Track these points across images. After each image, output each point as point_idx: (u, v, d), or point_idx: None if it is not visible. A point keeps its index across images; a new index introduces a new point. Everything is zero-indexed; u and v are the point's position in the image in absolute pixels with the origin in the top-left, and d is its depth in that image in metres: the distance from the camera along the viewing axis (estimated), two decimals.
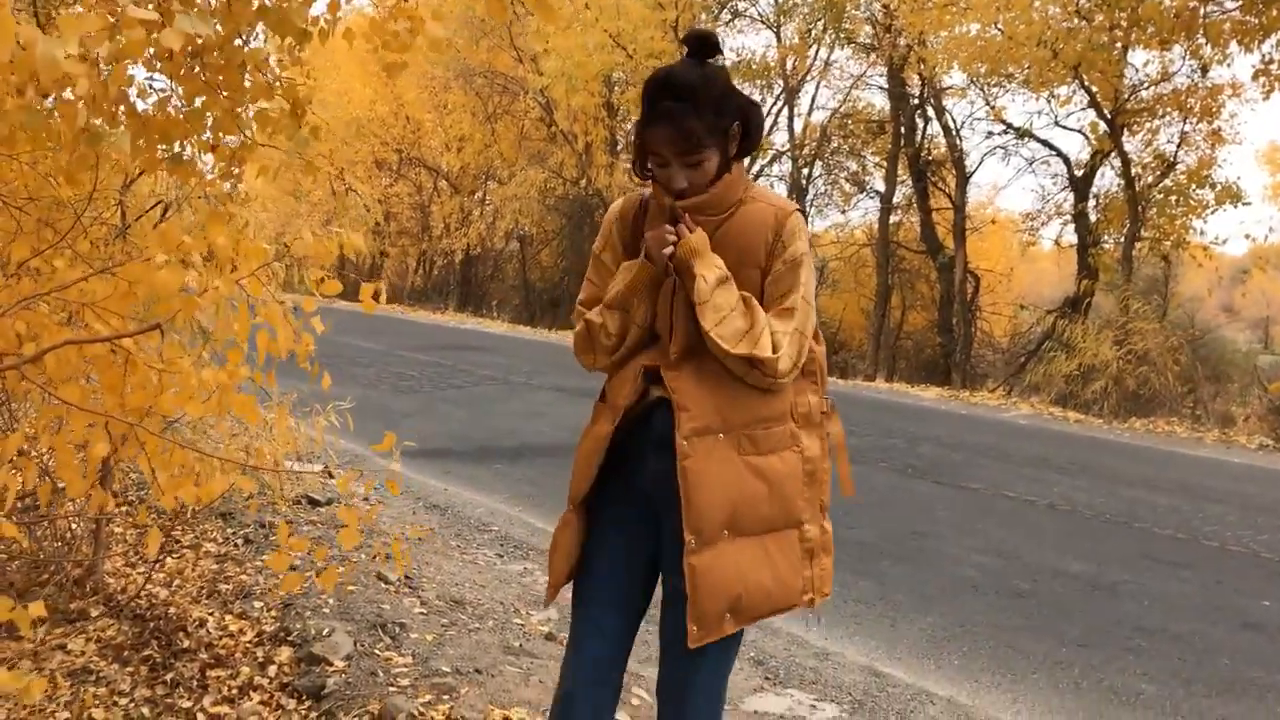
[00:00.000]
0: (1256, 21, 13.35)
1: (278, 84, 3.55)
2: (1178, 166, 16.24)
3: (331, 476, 7.04)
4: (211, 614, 4.33)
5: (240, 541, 5.37)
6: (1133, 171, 15.64)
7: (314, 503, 6.26)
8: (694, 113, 2.20)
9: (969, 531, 6.63)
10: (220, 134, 3.48)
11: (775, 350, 2.26)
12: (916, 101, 20.00)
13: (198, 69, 3.25)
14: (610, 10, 19.27)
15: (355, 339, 16.93)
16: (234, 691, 3.79)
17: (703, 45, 2.27)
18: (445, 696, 3.64)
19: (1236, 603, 5.43)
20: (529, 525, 6.56)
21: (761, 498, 2.31)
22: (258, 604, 4.44)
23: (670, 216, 2.31)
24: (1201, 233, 15.67)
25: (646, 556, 2.46)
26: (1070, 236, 18.28)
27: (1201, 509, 7.55)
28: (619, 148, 25.52)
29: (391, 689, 3.68)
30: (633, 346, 2.40)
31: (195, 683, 3.85)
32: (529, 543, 6.11)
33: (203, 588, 4.67)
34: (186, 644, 4.11)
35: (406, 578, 4.95)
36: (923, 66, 17.51)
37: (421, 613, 4.49)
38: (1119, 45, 14.80)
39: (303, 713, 3.61)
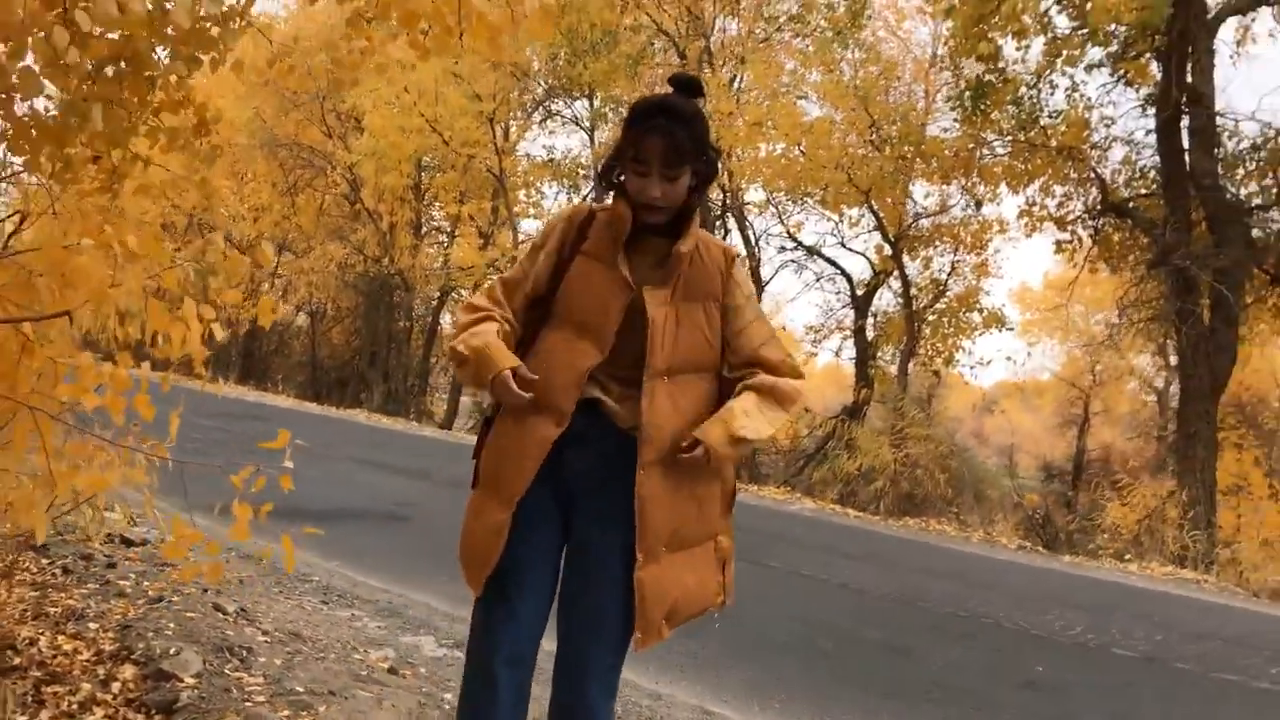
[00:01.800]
0: (1023, 167, 14.91)
1: (185, 99, 3.65)
2: (947, 293, 17.75)
3: (135, 524, 6.83)
4: (42, 634, 4.18)
5: (59, 572, 5.17)
6: (912, 293, 16.99)
7: (128, 542, 6.06)
8: (685, 133, 2.50)
9: (772, 601, 7.01)
10: (108, 147, 3.53)
11: (797, 376, 2.69)
12: (718, 212, 21.07)
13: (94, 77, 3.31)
14: (429, 95, 19.57)
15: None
16: (74, 707, 3.68)
17: (690, 85, 2.60)
18: (304, 712, 3.66)
19: (1015, 667, 5.98)
20: (348, 578, 6.54)
21: (693, 518, 2.58)
22: (93, 625, 4.31)
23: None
24: (970, 352, 17.17)
25: (557, 544, 2.65)
26: (849, 351, 19.57)
27: (975, 593, 8.22)
28: (423, 231, 25.61)
29: (248, 704, 3.67)
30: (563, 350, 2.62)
31: (30, 698, 3.72)
32: (353, 592, 6.09)
33: (26, 610, 4.49)
34: (17, 661, 3.96)
35: (242, 610, 4.89)
36: (728, 180, 18.56)
37: (265, 641, 4.47)
38: (905, 176, 16.19)
39: None
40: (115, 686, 3.82)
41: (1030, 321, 30.91)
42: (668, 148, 2.49)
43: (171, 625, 4.39)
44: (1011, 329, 17.93)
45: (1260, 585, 10.87)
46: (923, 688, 5.34)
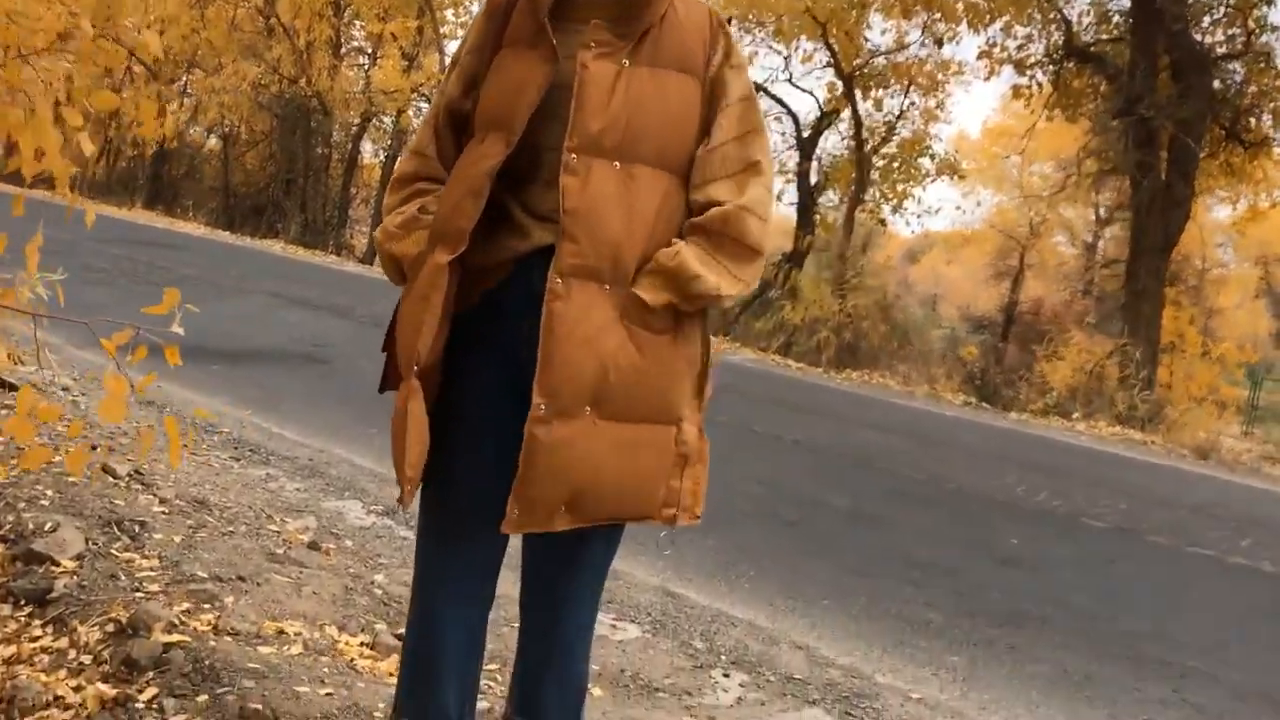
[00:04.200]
0: (987, 4, 14.11)
1: None
2: (895, 137, 17.09)
3: (20, 363, 6.09)
4: None
5: None
6: (863, 135, 16.29)
7: (7, 386, 5.31)
8: None
9: (728, 461, 6.47)
10: None
11: (742, 240, 1.89)
12: None
13: None
14: None
15: (31, 223, 15.07)
16: None
17: None
18: (207, 605, 3.06)
19: (988, 539, 5.59)
20: (263, 429, 5.87)
21: (641, 378, 1.84)
22: None
23: None
24: (919, 200, 16.63)
25: (518, 445, 1.98)
26: (791, 195, 18.86)
27: (931, 453, 7.85)
28: (342, 51, 24.09)
29: (139, 595, 3.05)
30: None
31: None
32: (267, 446, 5.45)
33: None
34: None
35: (136, 473, 4.23)
36: None
37: (162, 512, 3.82)
38: (863, 8, 15.28)
39: (22, 620, 2.93)
40: None
41: (966, 170, 30.47)
42: None
43: (50, 493, 3.72)
44: (964, 177, 17.38)
45: (1205, 446, 10.71)
46: (897, 565, 4.90)
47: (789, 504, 5.71)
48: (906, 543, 5.29)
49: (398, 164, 2.07)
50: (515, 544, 1.98)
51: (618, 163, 1.80)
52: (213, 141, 28.01)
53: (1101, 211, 28.92)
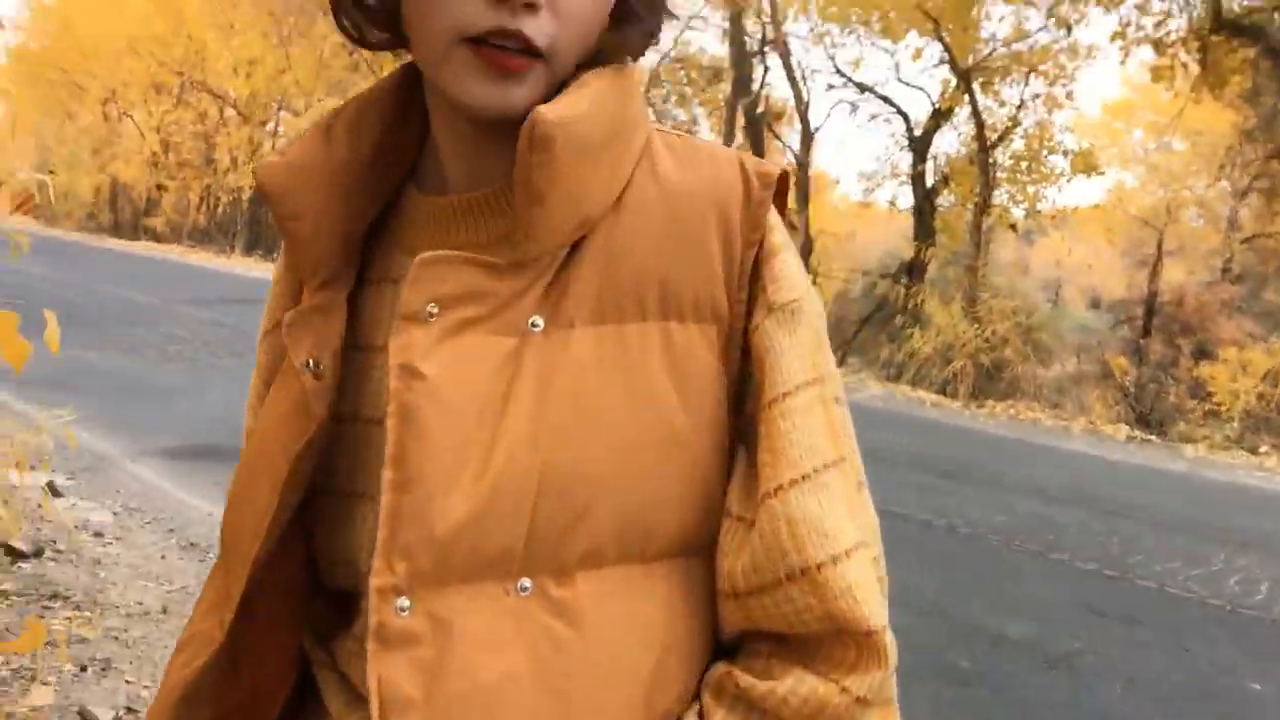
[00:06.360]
0: None
1: None
2: (1018, 130, 15.64)
3: (57, 494, 5.36)
4: None
5: None
6: (985, 133, 14.91)
7: (16, 554, 4.51)
8: None
9: None
10: None
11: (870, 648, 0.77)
12: (757, 48, 18.73)
13: None
14: None
15: (123, 289, 14.70)
16: None
17: None
18: None
19: (1221, 683, 4.39)
20: None
21: None
22: None
23: None
24: (1052, 201, 15.17)
25: None
26: (906, 196, 17.54)
27: (1114, 530, 6.61)
28: None
29: None
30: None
31: None
32: None
33: None
34: None
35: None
36: (766, 9, 16.29)
37: None
38: None
39: None
40: None
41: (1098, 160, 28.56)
42: None
43: None
44: (1103, 174, 15.77)
45: None
46: None
47: (957, 644, 4.58)
48: (1113, 699, 4.12)
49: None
50: None
51: (524, 580, 0.79)
52: None
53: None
